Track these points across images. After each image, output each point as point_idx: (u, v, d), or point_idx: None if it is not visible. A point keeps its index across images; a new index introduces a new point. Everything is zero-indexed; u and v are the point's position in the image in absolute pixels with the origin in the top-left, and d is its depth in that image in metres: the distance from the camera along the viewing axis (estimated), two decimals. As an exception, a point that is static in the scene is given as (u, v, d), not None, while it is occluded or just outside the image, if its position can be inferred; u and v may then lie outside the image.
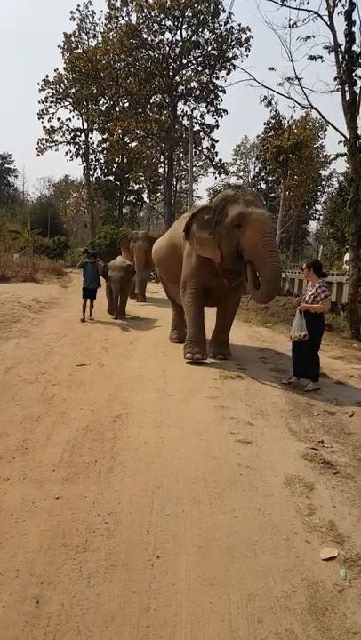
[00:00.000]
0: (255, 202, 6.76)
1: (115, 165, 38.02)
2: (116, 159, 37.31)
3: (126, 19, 30.87)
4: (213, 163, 34.42)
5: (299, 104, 12.27)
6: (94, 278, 10.96)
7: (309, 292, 6.22)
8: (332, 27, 10.85)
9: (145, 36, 30.30)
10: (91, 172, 38.31)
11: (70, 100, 35.77)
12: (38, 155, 36.69)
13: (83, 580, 2.54)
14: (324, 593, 2.52)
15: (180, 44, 30.40)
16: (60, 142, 36.95)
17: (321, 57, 10.93)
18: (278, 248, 20.81)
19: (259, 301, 7.27)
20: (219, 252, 6.72)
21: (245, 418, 4.88)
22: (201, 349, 7.11)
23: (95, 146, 37.49)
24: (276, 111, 19.25)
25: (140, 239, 15.17)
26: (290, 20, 13.00)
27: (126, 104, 33.47)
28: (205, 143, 34.11)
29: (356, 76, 10.48)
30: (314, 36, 11.10)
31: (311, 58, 10.97)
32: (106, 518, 3.09)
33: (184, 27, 30.24)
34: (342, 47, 10.54)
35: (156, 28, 30.21)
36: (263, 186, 32.68)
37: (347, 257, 14.44)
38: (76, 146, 37.41)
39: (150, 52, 30.79)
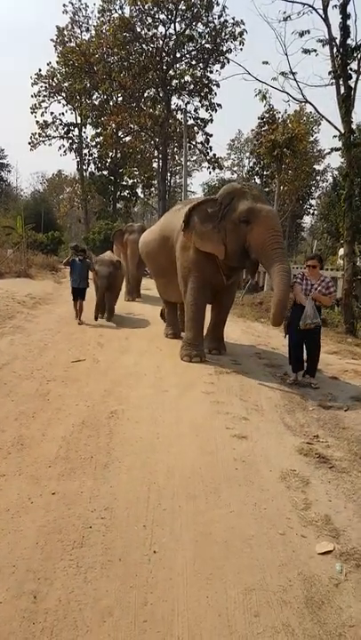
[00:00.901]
0: (262, 197, 6.62)
1: (108, 160, 37.82)
2: (110, 154, 37.12)
3: (119, 12, 30.72)
4: (208, 157, 34.30)
5: (293, 98, 12.20)
6: (84, 277, 10.00)
7: (318, 285, 6.03)
8: (326, 20, 10.80)
9: (138, 30, 30.08)
10: (84, 167, 38.11)
11: (63, 94, 35.49)
12: (31, 149, 36.41)
13: (80, 576, 2.54)
14: (320, 587, 2.54)
15: (174, 37, 30.22)
16: (54, 137, 36.69)
17: (315, 50, 10.88)
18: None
19: (273, 324, 6.51)
20: (223, 247, 6.53)
21: (241, 413, 4.90)
22: (199, 352, 6.96)
23: (89, 140, 37.29)
24: (270, 105, 19.13)
25: (135, 232, 14.01)
26: (284, 12, 12.84)
27: (120, 98, 33.29)
28: (200, 137, 33.98)
29: (350, 69, 10.44)
30: (308, 32, 11.04)
31: (306, 51, 10.92)
32: (102, 514, 3.09)
33: (178, 20, 30.05)
34: (337, 41, 10.50)
35: (150, 21, 29.99)
36: (258, 180, 32.57)
37: (341, 252, 14.46)
38: (70, 140, 37.16)
39: (144, 45, 30.58)
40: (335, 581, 2.58)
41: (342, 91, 10.49)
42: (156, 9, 29.44)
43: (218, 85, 31.59)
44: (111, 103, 34.06)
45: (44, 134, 36.24)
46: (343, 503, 3.34)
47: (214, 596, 2.45)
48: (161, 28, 30.35)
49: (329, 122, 11.06)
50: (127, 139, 35.71)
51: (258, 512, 3.18)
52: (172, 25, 30.16)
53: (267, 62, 11.96)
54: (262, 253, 6.18)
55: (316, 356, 6.17)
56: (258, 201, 6.39)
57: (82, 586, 2.48)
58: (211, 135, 33.47)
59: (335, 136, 10.82)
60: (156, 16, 29.88)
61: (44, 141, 36.49)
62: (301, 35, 11.12)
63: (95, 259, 10.73)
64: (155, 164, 37.31)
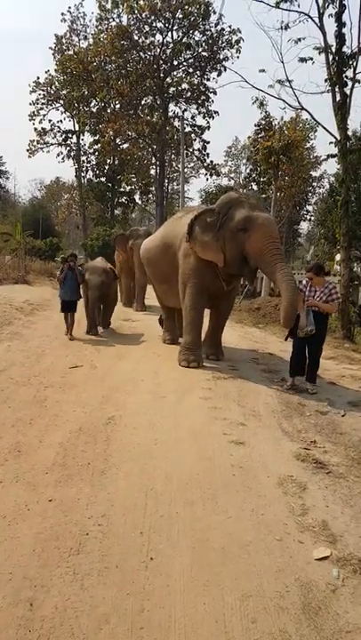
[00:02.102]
0: (259, 206, 6.77)
1: (106, 167, 37.93)
2: (108, 161, 37.22)
3: (117, 20, 30.86)
4: (205, 164, 34.45)
5: (290, 105, 12.29)
6: (75, 288, 9.01)
7: (320, 293, 6.04)
8: (322, 28, 10.89)
9: (136, 38, 30.26)
10: (82, 174, 38.21)
11: (61, 101, 35.64)
12: (29, 156, 36.54)
13: (76, 583, 2.54)
14: (317, 592, 2.53)
15: (171, 45, 30.42)
16: (52, 144, 36.80)
17: (312, 59, 10.97)
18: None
19: (283, 326, 6.58)
20: (222, 255, 6.65)
21: (238, 418, 4.90)
22: (197, 357, 7.02)
23: (87, 147, 37.38)
24: (266, 112, 19.21)
25: (141, 236, 12.80)
26: (282, 22, 12.89)
27: (117, 106, 33.40)
28: (197, 144, 34.12)
29: (346, 77, 10.52)
30: (304, 39, 11.13)
31: (302, 60, 10.99)
32: (99, 520, 3.08)
33: (175, 28, 30.26)
34: (333, 48, 10.59)
35: (147, 29, 30.18)
36: (255, 187, 32.71)
37: (338, 257, 14.52)
38: (68, 147, 37.28)
39: (141, 53, 30.77)
40: (332, 587, 2.58)
41: (338, 98, 10.56)
42: (153, 17, 29.64)
43: (215, 93, 31.80)
44: (109, 110, 34.17)
45: (42, 141, 36.36)
46: (340, 509, 3.34)
47: (211, 603, 2.44)
48: (158, 36, 30.60)
49: (325, 129, 11.14)
50: (125, 146, 35.83)
51: (255, 518, 3.17)
52: (170, 33, 30.39)
53: (263, 70, 12.07)
54: (261, 260, 6.28)
55: (314, 363, 6.18)
56: (255, 209, 6.51)
57: (78, 593, 2.47)
58: (208, 142, 33.68)
59: (331, 142, 10.89)
60: (154, 24, 30.09)
61: (42, 148, 36.61)
62: (297, 42, 11.21)
63: (85, 266, 9.62)
64: (152, 171, 37.39)
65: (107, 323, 9.88)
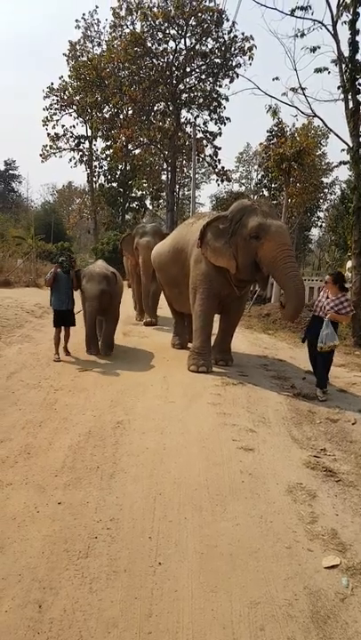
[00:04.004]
0: (272, 213, 6.74)
1: (118, 172, 38.18)
2: (120, 166, 37.47)
3: (131, 27, 31.12)
4: (216, 170, 34.51)
5: (302, 112, 12.33)
6: (71, 294, 7.69)
7: (330, 301, 6.13)
8: (335, 36, 10.91)
9: (149, 45, 30.45)
10: (94, 179, 38.49)
11: (75, 107, 35.96)
12: (42, 161, 36.88)
13: (85, 586, 2.54)
14: (326, 601, 2.52)
15: (184, 52, 30.60)
16: (64, 149, 37.12)
17: (327, 69, 10.98)
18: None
19: (288, 319, 7.56)
20: (234, 262, 6.66)
21: (247, 425, 4.88)
22: (206, 362, 7.01)
23: (99, 153, 37.68)
24: (279, 119, 19.26)
25: (148, 234, 11.38)
26: (297, 30, 12.72)
27: (130, 112, 33.61)
28: (208, 150, 34.21)
29: (359, 84, 10.51)
30: (319, 47, 11.15)
31: (318, 70, 11.02)
32: (108, 524, 3.09)
33: (188, 35, 30.42)
34: (346, 56, 10.61)
35: (161, 36, 30.36)
36: (266, 193, 32.72)
37: (349, 264, 14.45)
38: (80, 153, 37.60)
39: (154, 60, 30.96)
40: (341, 596, 2.56)
41: (351, 105, 10.56)
42: (166, 24, 29.83)
43: (227, 99, 31.90)
44: (121, 116, 34.41)
45: (55, 146, 36.66)
46: (350, 517, 3.32)
47: (219, 609, 2.43)
48: (171, 43, 30.73)
49: (337, 136, 11.13)
50: (137, 151, 36.00)
51: (264, 525, 3.16)
52: (183, 40, 30.53)
53: (277, 78, 12.09)
54: (274, 268, 6.30)
55: (321, 368, 6.24)
56: (267, 217, 6.50)
57: (87, 596, 2.48)
58: (219, 148, 33.73)
59: (343, 149, 10.88)
60: (167, 31, 30.26)
61: (54, 153, 36.92)
62: (313, 50, 11.23)
63: (82, 272, 7.90)
64: (163, 177, 37.57)
65: (109, 343, 8.05)
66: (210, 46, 30.62)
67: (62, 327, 7.64)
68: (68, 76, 34.80)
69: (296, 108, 12.14)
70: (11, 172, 52.56)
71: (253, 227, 6.42)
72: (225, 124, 32.52)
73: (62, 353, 7.61)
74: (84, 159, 37.75)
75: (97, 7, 35.19)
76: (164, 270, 8.64)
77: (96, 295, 7.47)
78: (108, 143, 35.68)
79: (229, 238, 6.67)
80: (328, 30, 11.05)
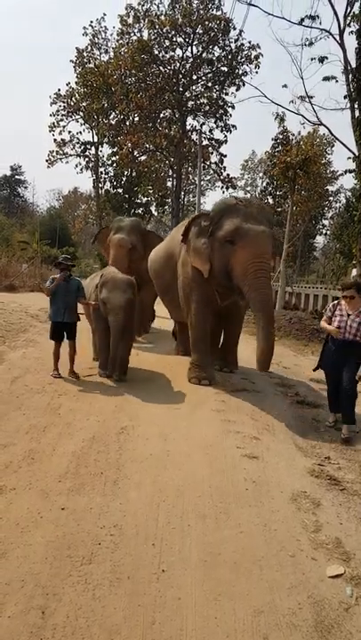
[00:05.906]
0: (257, 216, 5.95)
1: (124, 178, 38.30)
2: (126, 172, 37.61)
3: (138, 35, 31.37)
4: (221, 177, 34.62)
5: (308, 121, 12.44)
6: (73, 305, 6.64)
7: (352, 314, 5.04)
8: (342, 45, 11.00)
9: (156, 52, 30.68)
10: (100, 185, 38.67)
11: (81, 113, 36.20)
12: (48, 167, 37.09)
13: (88, 592, 2.54)
14: (330, 610, 2.50)
15: (191, 60, 30.80)
16: (71, 155, 37.33)
17: (335, 77, 11.08)
18: (285, 263, 20.81)
19: (259, 369, 5.73)
20: (209, 265, 6.07)
21: (252, 432, 4.87)
22: (208, 374, 6.55)
23: (105, 159, 37.86)
24: (284, 127, 19.36)
25: (123, 230, 9.67)
26: (305, 39, 12.63)
27: (136, 118, 33.82)
28: (214, 158, 34.31)
29: (365, 93, 10.60)
30: (327, 57, 11.26)
31: (326, 78, 11.11)
32: (111, 530, 3.08)
33: (195, 43, 30.64)
34: (352, 65, 10.67)
35: (168, 44, 30.61)
36: (270, 200, 32.81)
37: (354, 272, 14.45)
38: (86, 159, 37.79)
39: (161, 67, 31.18)
40: (345, 605, 2.54)
41: (357, 114, 10.62)
42: (173, 32, 30.07)
43: (233, 107, 32.05)
44: (128, 123, 34.61)
45: (61, 152, 36.88)
46: (354, 526, 3.30)
47: (223, 617, 2.42)
48: (178, 51, 30.98)
49: (343, 144, 11.21)
50: (143, 158, 36.15)
51: (268, 533, 3.15)
52: (190, 48, 30.76)
53: (285, 86, 12.22)
54: (243, 281, 5.58)
55: (349, 397, 5.01)
56: (249, 220, 5.76)
57: (90, 602, 2.47)
58: (225, 156, 33.83)
59: (349, 158, 10.93)
60: (174, 39, 30.50)
61: (60, 159, 37.13)
62: (321, 61, 11.32)
63: (102, 279, 6.69)
64: (169, 183, 37.67)
65: (124, 366, 6.74)
66: (216, 54, 30.82)
67: (62, 341, 6.67)
68: (75, 82, 35.09)
69: (303, 116, 12.28)
70: (17, 177, 52.94)
71: (229, 230, 5.76)
72: (231, 131, 32.68)
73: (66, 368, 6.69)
74: (90, 165, 37.92)
75: (105, 15, 35.06)
76: (160, 278, 8.13)
77: (122, 306, 6.35)
78: (114, 149, 35.86)
79: (208, 238, 6.09)
80: (335, 39, 11.15)
